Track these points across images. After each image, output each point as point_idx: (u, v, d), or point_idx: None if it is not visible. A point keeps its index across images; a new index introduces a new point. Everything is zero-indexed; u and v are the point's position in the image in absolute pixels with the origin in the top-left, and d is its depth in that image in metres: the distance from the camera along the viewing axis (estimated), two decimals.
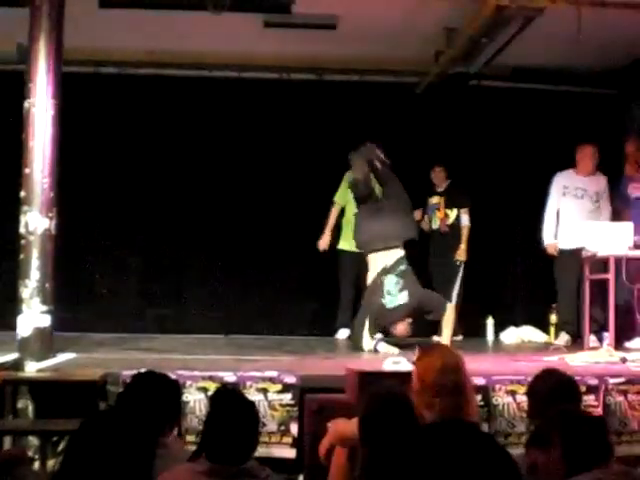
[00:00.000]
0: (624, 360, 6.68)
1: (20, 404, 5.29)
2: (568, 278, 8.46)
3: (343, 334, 8.92)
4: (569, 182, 8.56)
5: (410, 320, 7.67)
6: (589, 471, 2.98)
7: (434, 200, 9.40)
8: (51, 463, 4.99)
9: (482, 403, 5.30)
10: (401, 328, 7.66)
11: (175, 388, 4.07)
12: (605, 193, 8.56)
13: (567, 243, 8.43)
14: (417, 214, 9.28)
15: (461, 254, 9.20)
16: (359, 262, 8.56)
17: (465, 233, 9.25)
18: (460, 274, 9.18)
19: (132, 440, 2.33)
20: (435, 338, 8.61)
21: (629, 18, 7.48)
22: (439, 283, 9.14)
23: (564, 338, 8.46)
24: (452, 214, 9.31)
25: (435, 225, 9.36)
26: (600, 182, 8.57)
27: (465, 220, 9.27)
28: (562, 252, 8.51)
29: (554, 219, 8.63)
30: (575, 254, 8.21)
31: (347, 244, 8.96)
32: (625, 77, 9.42)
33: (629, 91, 9.60)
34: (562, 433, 3.10)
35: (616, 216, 8.54)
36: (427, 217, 9.40)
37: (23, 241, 6.11)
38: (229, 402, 3.56)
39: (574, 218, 8.39)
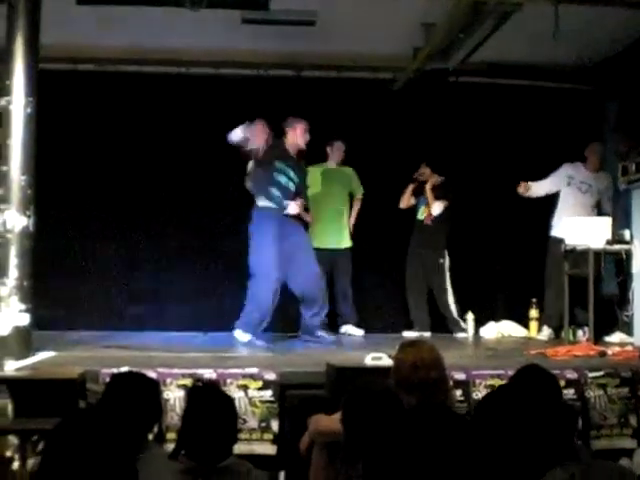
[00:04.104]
0: (603, 354, 6.72)
1: None
2: (560, 269, 8.41)
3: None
4: (576, 174, 8.67)
5: None
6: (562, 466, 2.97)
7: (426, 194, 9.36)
8: (31, 462, 4.97)
9: (462, 398, 5.32)
10: None
11: (155, 388, 4.06)
12: (608, 191, 8.65)
13: (564, 234, 8.43)
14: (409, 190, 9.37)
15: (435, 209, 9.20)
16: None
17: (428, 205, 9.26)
18: (447, 269, 9.22)
19: (113, 440, 2.32)
20: (405, 333, 8.69)
21: (606, 14, 7.52)
22: (432, 278, 9.25)
23: (546, 332, 8.50)
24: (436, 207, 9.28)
25: (421, 216, 9.33)
26: (606, 180, 8.66)
27: (436, 209, 9.22)
28: (559, 241, 8.47)
29: (547, 187, 8.74)
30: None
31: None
32: (601, 73, 9.46)
33: (605, 87, 9.65)
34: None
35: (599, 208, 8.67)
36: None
37: (1, 239, 6.09)
38: (205, 397, 3.55)
39: (575, 211, 8.45)
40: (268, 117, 9.09)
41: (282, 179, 8.00)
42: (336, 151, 9.35)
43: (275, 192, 7.91)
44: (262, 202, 7.99)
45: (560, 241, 8.39)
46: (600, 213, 8.61)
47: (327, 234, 9.15)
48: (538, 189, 8.75)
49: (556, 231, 8.64)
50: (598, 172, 8.73)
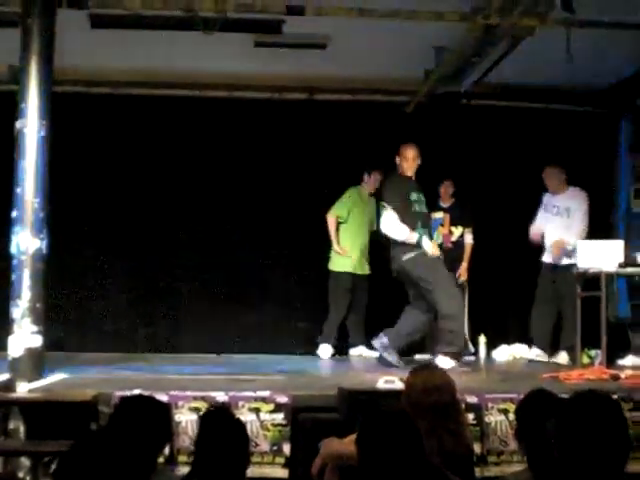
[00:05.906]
0: (616, 377, 6.69)
1: (11, 425, 5.26)
2: (540, 291, 8.68)
3: (325, 350, 9.05)
4: (547, 200, 8.83)
5: None
6: None
7: (437, 215, 9.32)
8: None
9: (474, 422, 5.30)
10: None
11: (163, 410, 4.04)
12: (578, 208, 8.60)
13: (546, 257, 8.72)
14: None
15: (463, 273, 9.22)
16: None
17: (468, 251, 9.31)
18: (467, 293, 9.21)
19: (122, 463, 2.32)
20: (417, 357, 8.62)
21: (618, 37, 7.53)
22: None
23: (563, 356, 8.43)
24: (457, 231, 9.32)
25: (438, 240, 9.22)
26: (573, 198, 8.65)
27: (469, 239, 9.32)
28: (543, 265, 8.76)
29: (538, 226, 8.83)
30: (551, 268, 8.37)
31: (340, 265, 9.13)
32: (614, 95, 9.47)
33: (618, 109, 9.66)
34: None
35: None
36: None
37: (14, 261, 6.11)
38: (217, 422, 3.55)
39: (550, 233, 8.59)
40: (282, 140, 9.14)
41: None
42: (373, 181, 9.27)
43: None
44: None
45: (546, 265, 8.68)
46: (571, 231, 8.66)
47: (353, 258, 9.23)
48: (538, 226, 8.87)
49: (544, 256, 8.80)
50: (563, 193, 8.74)
